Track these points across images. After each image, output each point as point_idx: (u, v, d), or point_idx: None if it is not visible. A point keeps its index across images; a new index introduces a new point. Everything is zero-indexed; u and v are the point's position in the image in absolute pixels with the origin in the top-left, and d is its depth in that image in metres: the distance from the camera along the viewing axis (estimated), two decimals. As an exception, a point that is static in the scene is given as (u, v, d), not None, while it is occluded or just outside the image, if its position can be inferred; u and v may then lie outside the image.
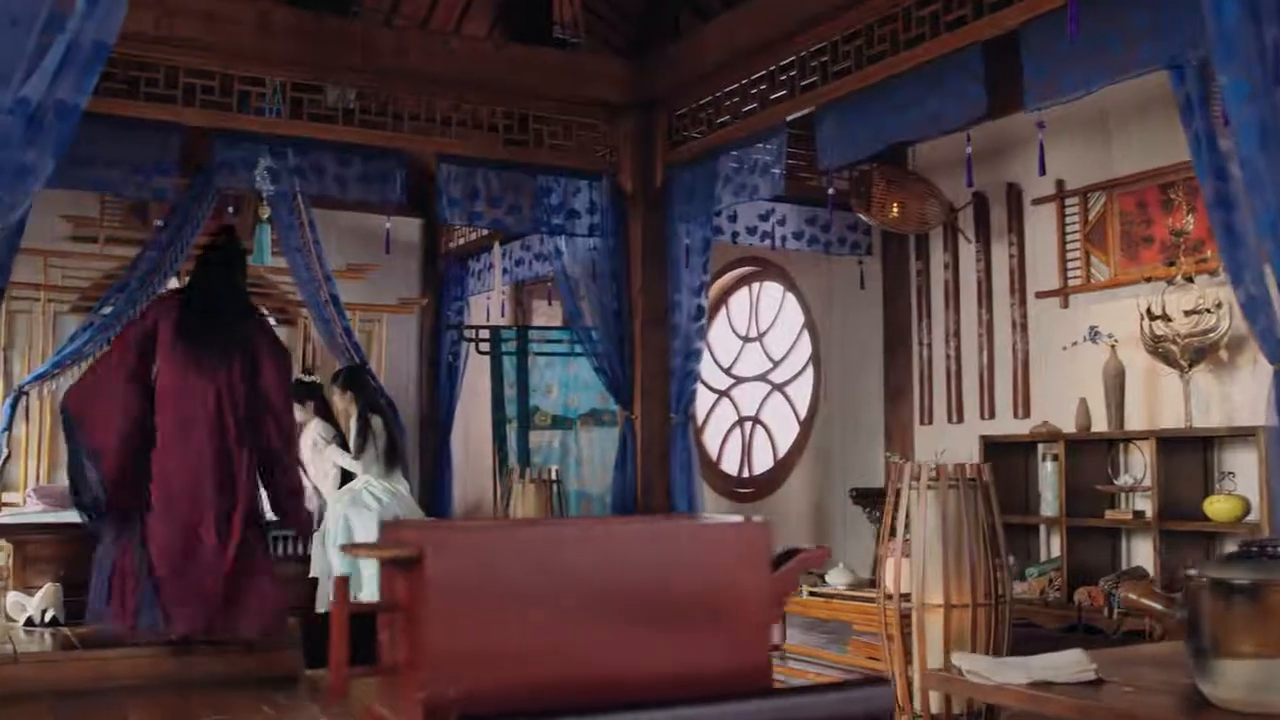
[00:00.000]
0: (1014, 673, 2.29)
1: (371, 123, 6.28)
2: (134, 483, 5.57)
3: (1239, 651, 2.02)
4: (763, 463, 9.31)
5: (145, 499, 5.53)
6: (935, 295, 7.53)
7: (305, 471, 7.59)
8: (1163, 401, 6.08)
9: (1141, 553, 6.10)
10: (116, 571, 5.50)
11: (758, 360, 9.54)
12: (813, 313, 8.79)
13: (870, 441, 7.92)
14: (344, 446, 7.21)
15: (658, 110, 6.86)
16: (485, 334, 8.82)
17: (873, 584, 4.87)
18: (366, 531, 6.44)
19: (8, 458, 6.86)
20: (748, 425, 9.56)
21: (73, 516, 6.28)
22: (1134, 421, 6.14)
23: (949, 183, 7.02)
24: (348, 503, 6.85)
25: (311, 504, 7.00)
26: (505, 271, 8.92)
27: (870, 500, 6.87)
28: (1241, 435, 5.62)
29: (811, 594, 5.35)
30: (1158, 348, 5.84)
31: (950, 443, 6.80)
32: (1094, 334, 6.26)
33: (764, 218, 7.54)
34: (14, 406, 6.84)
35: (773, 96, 6.00)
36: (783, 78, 5.91)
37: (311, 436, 7.57)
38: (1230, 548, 4.53)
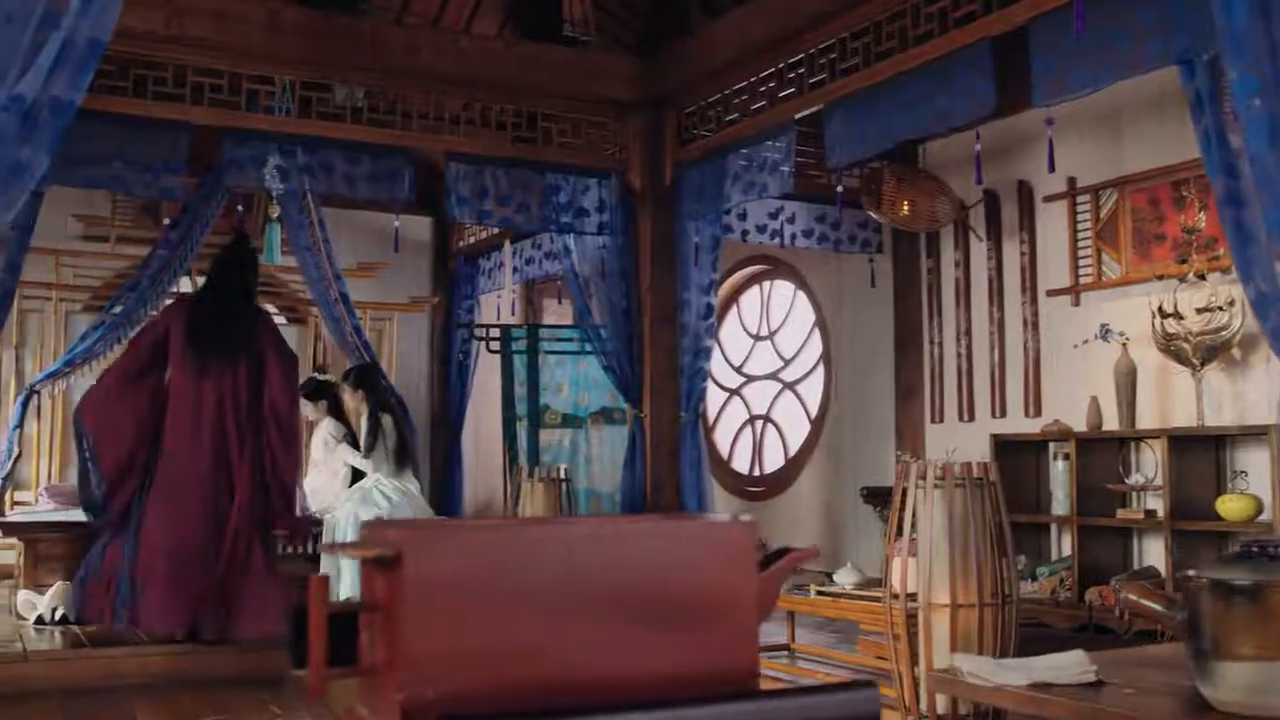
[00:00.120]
0: (1014, 674, 2.27)
1: (380, 121, 6.28)
2: (134, 484, 5.66)
3: (1239, 653, 1.99)
4: (774, 461, 9.29)
5: (144, 499, 5.60)
6: (946, 293, 7.50)
7: (308, 471, 7.63)
8: (1174, 400, 6.04)
9: (1153, 552, 6.07)
10: (96, 570, 5.61)
11: (769, 358, 9.52)
12: (823, 311, 8.77)
13: (881, 440, 7.89)
14: (355, 445, 7.22)
15: (667, 108, 6.84)
16: (496, 332, 8.81)
17: (882, 583, 4.84)
18: (376, 530, 6.43)
19: (19, 456, 6.86)
20: (759, 424, 9.54)
21: (83, 515, 6.36)
22: (1145, 420, 6.10)
23: (960, 180, 6.99)
24: (358, 501, 6.85)
25: (316, 504, 7.01)
26: (516, 270, 8.92)
27: (881, 499, 6.85)
28: (1254, 434, 5.59)
29: (819, 593, 5.32)
30: (1169, 346, 5.80)
31: (961, 441, 6.77)
32: (1105, 332, 6.22)
33: (774, 216, 7.51)
34: (25, 405, 6.84)
35: (781, 94, 5.98)
36: (791, 75, 5.89)
37: (323, 435, 7.59)
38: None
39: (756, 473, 9.44)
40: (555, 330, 9.04)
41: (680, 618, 1.39)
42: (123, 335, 6.83)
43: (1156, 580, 5.37)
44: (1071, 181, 6.65)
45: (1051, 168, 5.14)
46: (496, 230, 8.50)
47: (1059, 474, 6.34)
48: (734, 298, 9.79)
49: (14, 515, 6.85)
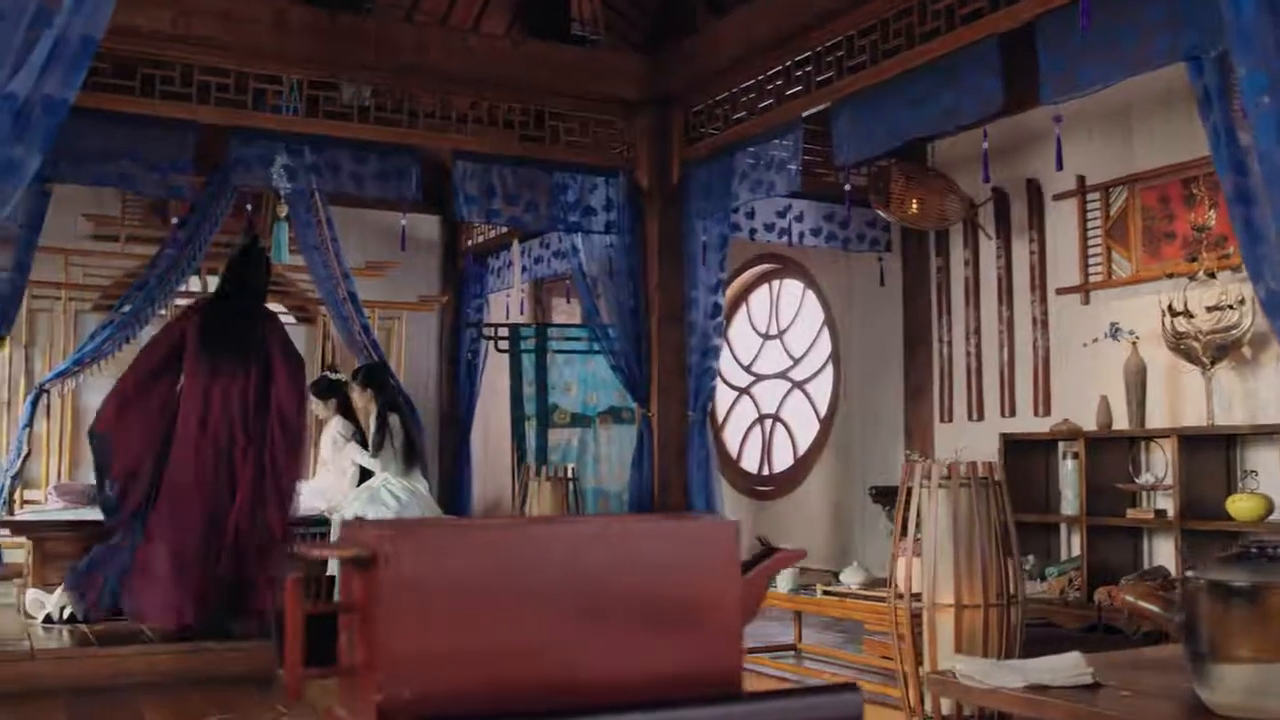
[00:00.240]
0: (1009, 676, 2.25)
1: (387, 120, 6.28)
2: (144, 486, 5.76)
3: (1237, 656, 1.96)
4: (783, 460, 9.26)
5: (154, 500, 5.70)
6: (955, 292, 7.46)
7: (317, 470, 7.65)
8: (1185, 399, 6.00)
9: (1163, 552, 6.03)
10: (99, 564, 5.75)
11: (778, 357, 9.50)
12: (832, 310, 8.74)
13: (890, 439, 7.86)
14: (363, 444, 7.22)
15: (674, 106, 6.82)
16: (504, 332, 8.81)
17: (888, 583, 4.82)
18: (383, 530, 6.44)
19: (28, 455, 6.91)
20: (768, 423, 9.52)
21: (92, 514, 6.43)
22: (1155, 419, 6.06)
23: (969, 179, 6.95)
24: (366, 500, 6.85)
25: (325, 503, 7.01)
26: (524, 269, 8.91)
27: (890, 498, 6.80)
28: (1265, 433, 5.55)
29: (826, 593, 5.31)
30: (1180, 344, 5.76)
31: (970, 440, 6.75)
32: (1115, 331, 6.18)
33: (782, 214, 7.49)
34: (35, 404, 6.89)
35: (788, 92, 5.96)
36: (798, 73, 5.87)
37: (331, 434, 7.59)
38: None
39: (766, 472, 9.42)
40: (564, 329, 9.03)
41: (659, 618, 1.37)
42: (131, 335, 6.87)
43: (1167, 580, 5.33)
44: (1081, 179, 6.61)
45: (1059, 165, 5.11)
46: (505, 229, 8.50)
47: (1068, 473, 6.30)
48: (743, 296, 9.77)
49: (23, 514, 6.88)
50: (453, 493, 8.93)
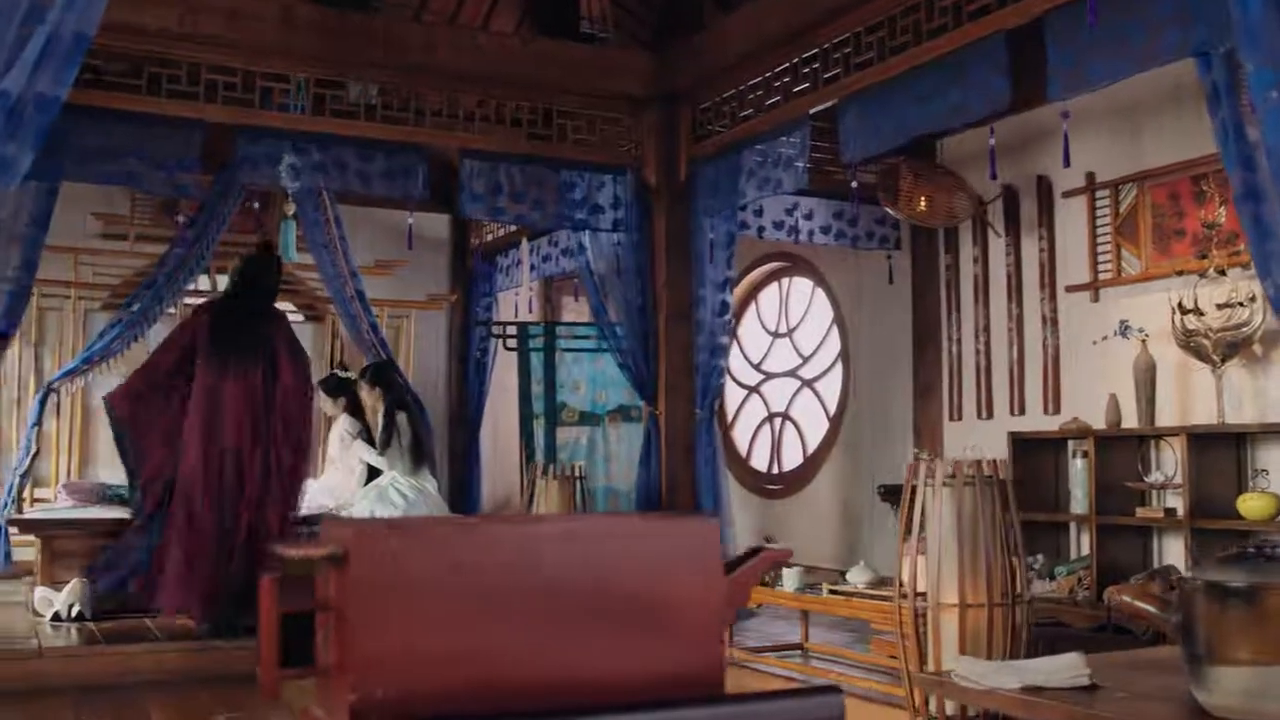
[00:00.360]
0: (1006, 677, 2.23)
1: (394, 118, 6.28)
2: (163, 484, 5.87)
3: (1234, 658, 1.93)
4: (792, 459, 9.24)
5: (168, 499, 5.80)
6: (964, 290, 7.42)
7: (325, 468, 7.66)
8: (1194, 397, 5.96)
9: (1173, 551, 5.98)
10: (114, 559, 6.00)
11: (787, 356, 9.47)
12: (842, 308, 8.71)
13: (900, 438, 7.83)
14: (370, 442, 7.23)
15: (681, 104, 6.81)
16: (513, 330, 8.81)
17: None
18: (391, 528, 6.45)
19: (37, 454, 6.93)
20: (777, 421, 9.49)
21: (100, 512, 6.50)
22: (1165, 417, 6.02)
23: (978, 176, 6.92)
24: (374, 499, 6.86)
25: (333, 501, 7.02)
26: (533, 267, 8.90)
27: (898, 497, 6.79)
28: (1275, 432, 5.50)
29: (832, 592, 5.29)
30: (1189, 342, 5.72)
31: (980, 439, 6.69)
32: (1125, 328, 6.13)
33: (790, 212, 7.46)
34: (44, 403, 6.91)
35: (796, 89, 5.94)
36: (805, 70, 5.85)
37: (339, 431, 7.61)
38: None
39: (775, 470, 9.40)
40: (573, 328, 9.02)
41: (638, 619, 1.36)
42: (140, 333, 6.88)
43: (1179, 579, 5.28)
44: (1090, 176, 6.57)
45: (1067, 162, 5.06)
46: (514, 227, 8.49)
47: (1078, 472, 6.26)
48: (753, 294, 9.74)
49: (32, 512, 6.89)
50: (462, 491, 8.93)
